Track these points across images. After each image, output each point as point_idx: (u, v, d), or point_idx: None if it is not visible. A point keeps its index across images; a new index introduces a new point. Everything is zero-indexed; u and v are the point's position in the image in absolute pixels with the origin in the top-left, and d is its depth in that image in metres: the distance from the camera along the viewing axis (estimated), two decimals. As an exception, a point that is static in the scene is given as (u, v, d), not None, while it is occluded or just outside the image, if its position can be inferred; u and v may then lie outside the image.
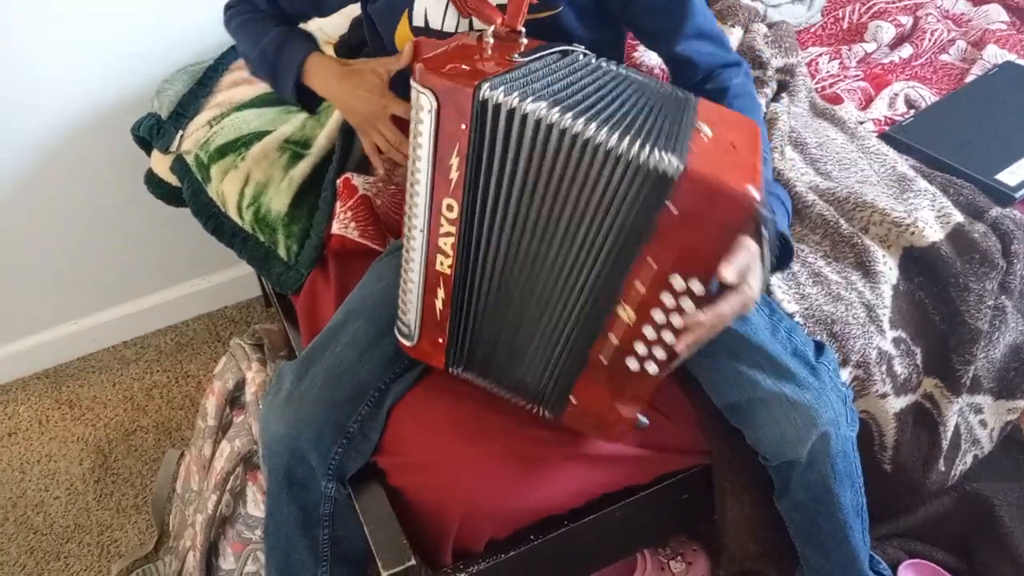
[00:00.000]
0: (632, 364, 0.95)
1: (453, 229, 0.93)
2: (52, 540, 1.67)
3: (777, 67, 1.55)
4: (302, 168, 1.40)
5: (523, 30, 0.97)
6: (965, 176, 1.39)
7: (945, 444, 1.35)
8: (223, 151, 1.47)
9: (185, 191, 1.54)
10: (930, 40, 1.73)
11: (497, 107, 0.84)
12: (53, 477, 1.80)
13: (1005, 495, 1.45)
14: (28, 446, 1.87)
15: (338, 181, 1.38)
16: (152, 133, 1.66)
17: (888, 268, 1.27)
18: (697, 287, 0.88)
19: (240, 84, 1.64)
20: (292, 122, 1.48)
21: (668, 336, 0.92)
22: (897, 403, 1.28)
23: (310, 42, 1.17)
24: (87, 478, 1.79)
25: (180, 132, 1.61)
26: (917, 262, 1.28)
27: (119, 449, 1.84)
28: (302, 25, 1.27)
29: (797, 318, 1.21)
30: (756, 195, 0.81)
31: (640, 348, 0.94)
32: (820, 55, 1.71)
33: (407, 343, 1.05)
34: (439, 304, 0.98)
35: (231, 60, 1.69)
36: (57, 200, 1.88)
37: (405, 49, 1.07)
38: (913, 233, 1.27)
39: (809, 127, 1.47)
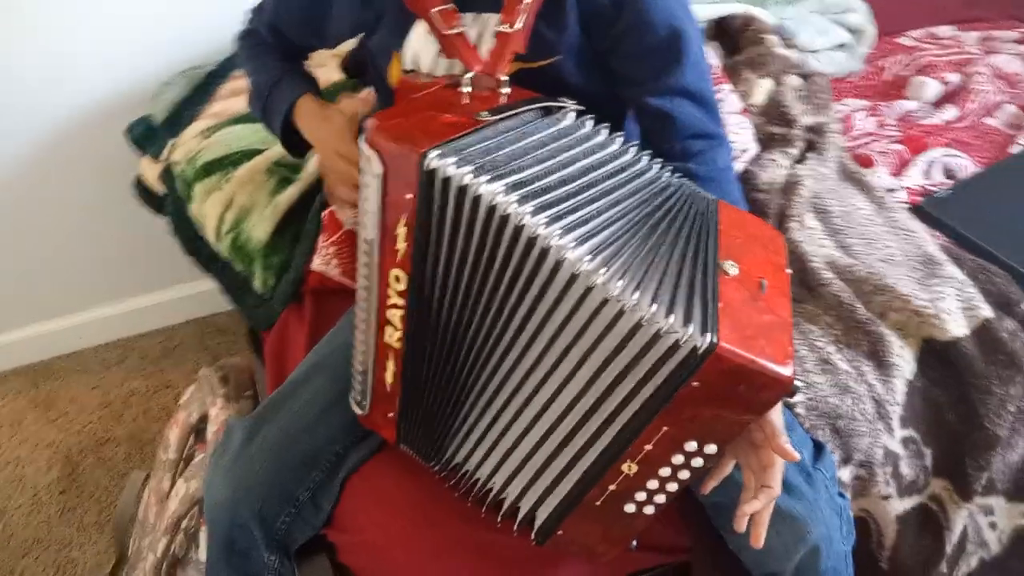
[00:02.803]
0: (629, 508, 0.87)
1: (401, 301, 0.84)
2: (8, 553, 1.61)
3: (807, 125, 1.44)
4: (289, 194, 1.32)
5: (505, 78, 0.88)
6: (999, 262, 1.28)
7: (949, 548, 1.24)
8: (208, 169, 1.39)
9: (168, 205, 1.46)
10: (977, 102, 1.61)
11: (446, 180, 0.76)
12: (19, 483, 1.74)
13: (1015, 602, 1.35)
14: (-2, 446, 1.82)
15: (324, 213, 1.29)
16: (144, 138, 1.58)
17: (904, 361, 1.17)
18: (711, 449, 0.79)
19: (240, 94, 1.56)
20: (284, 143, 1.40)
21: (672, 487, 0.83)
22: (900, 505, 1.18)
23: (306, 83, 1.10)
24: (52, 488, 1.73)
25: (172, 140, 1.54)
26: (937, 356, 1.18)
27: (88, 460, 1.78)
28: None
29: (799, 408, 1.11)
30: (789, 374, 0.72)
31: (640, 496, 0.85)
32: (856, 111, 1.60)
33: (359, 412, 0.96)
34: (389, 377, 0.90)
35: (233, 68, 1.62)
36: (51, 194, 1.83)
37: (368, 95, 1.00)
38: (935, 325, 1.17)
39: (834, 193, 1.37)
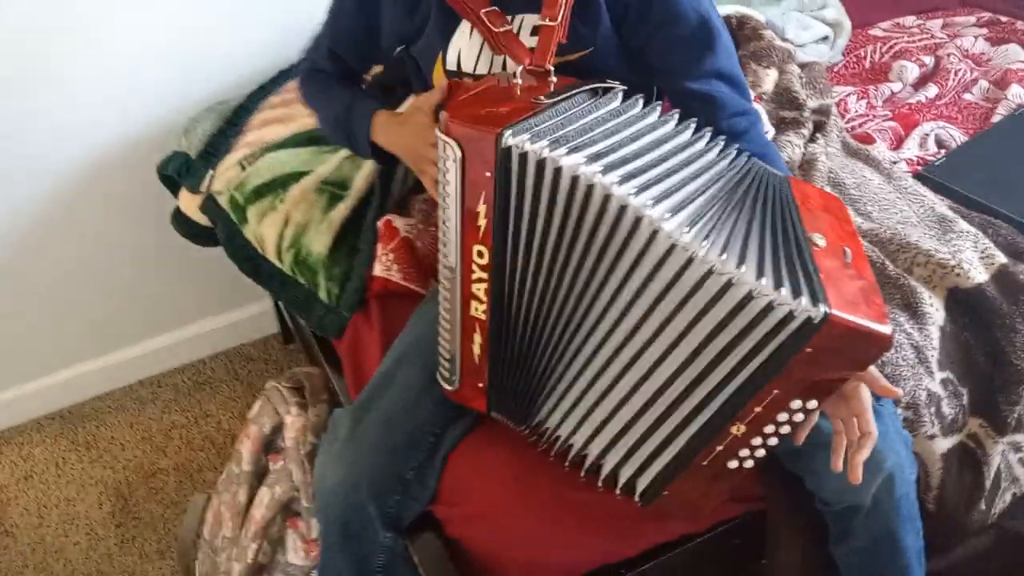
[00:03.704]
0: (732, 464, 0.94)
1: (485, 275, 0.91)
2: (74, 588, 1.63)
3: (812, 108, 1.56)
4: (341, 210, 1.39)
5: (551, 68, 0.96)
6: (1002, 216, 1.40)
7: (988, 484, 1.34)
8: (260, 192, 1.46)
9: (220, 232, 1.52)
10: (954, 80, 1.75)
11: (523, 155, 0.82)
12: (72, 521, 1.76)
13: (1044, 533, 1.45)
14: (45, 489, 1.83)
15: (379, 223, 1.37)
16: (181, 172, 1.64)
17: (935, 309, 1.27)
18: (812, 405, 0.87)
19: (271, 123, 1.63)
20: (328, 163, 1.47)
21: (773, 441, 0.91)
22: (944, 444, 1.27)
23: (374, 102, 1.16)
24: (107, 522, 1.75)
25: (211, 171, 1.60)
26: (962, 303, 1.28)
27: (139, 492, 1.81)
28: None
29: (848, 360, 1.21)
30: (889, 331, 0.80)
31: (744, 452, 0.92)
32: (848, 95, 1.73)
33: (449, 388, 1.03)
34: (476, 349, 0.97)
35: (260, 99, 1.69)
36: (72, 238, 1.86)
37: (440, 83, 1.07)
38: (959, 275, 1.27)
39: (846, 168, 1.48)
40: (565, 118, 0.88)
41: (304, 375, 1.39)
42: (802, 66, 1.68)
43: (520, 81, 0.94)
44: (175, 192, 1.73)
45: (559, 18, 0.99)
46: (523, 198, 0.85)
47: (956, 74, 1.77)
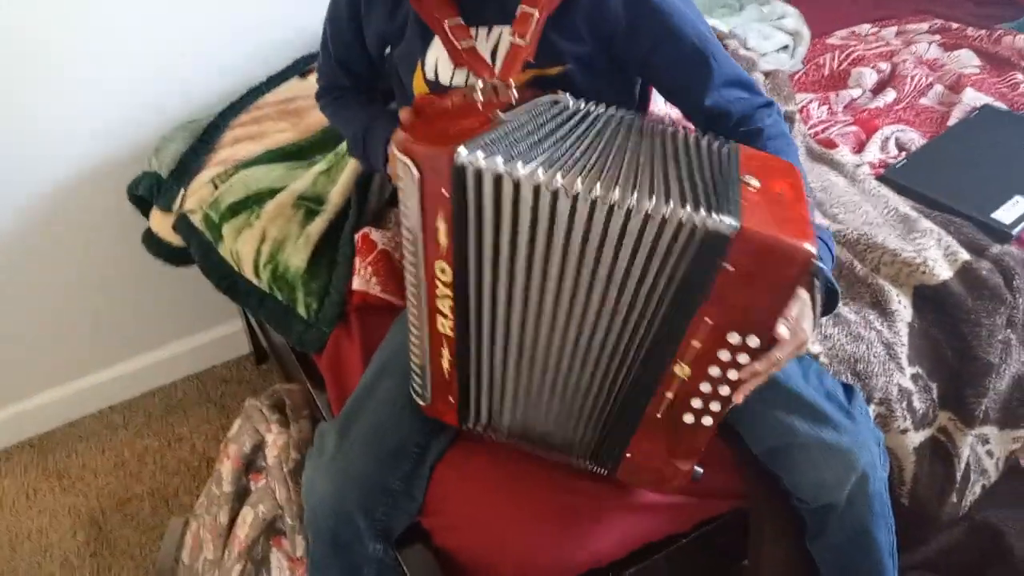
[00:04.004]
0: (688, 419, 0.96)
1: (449, 292, 0.92)
2: (50, 620, 1.60)
3: (777, 114, 1.59)
4: (318, 224, 1.39)
5: (511, 83, 0.98)
6: (962, 215, 1.44)
7: (959, 476, 1.38)
8: (235, 209, 1.45)
9: (194, 251, 1.51)
10: (911, 85, 1.81)
11: (478, 172, 0.83)
12: (46, 552, 1.72)
13: (1013, 523, 1.49)
14: (16, 520, 1.79)
15: (356, 236, 1.37)
16: (152, 192, 1.63)
17: (903, 307, 1.31)
18: (754, 342, 0.88)
19: (243, 141, 1.63)
20: (304, 179, 1.48)
21: (724, 389, 0.92)
22: (916, 438, 1.31)
23: (393, 122, 1.15)
24: (82, 551, 1.72)
25: (182, 190, 1.59)
26: (928, 300, 1.32)
27: (114, 519, 1.78)
28: None
29: (822, 358, 1.24)
30: (813, 250, 0.82)
31: (696, 403, 0.94)
32: (810, 102, 1.77)
33: (421, 402, 1.04)
34: (445, 364, 0.98)
35: (231, 117, 1.68)
36: (38, 262, 1.83)
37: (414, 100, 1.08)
38: (924, 272, 1.31)
39: (811, 172, 1.52)
40: (519, 132, 0.89)
41: (285, 391, 1.38)
42: (765, 74, 1.72)
43: (480, 97, 0.96)
44: (146, 212, 1.72)
45: (527, 36, 1.01)
46: (480, 213, 0.86)
47: (912, 79, 1.83)
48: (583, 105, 0.98)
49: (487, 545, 1.07)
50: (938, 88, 1.83)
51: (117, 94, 1.72)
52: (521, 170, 0.82)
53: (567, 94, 1.00)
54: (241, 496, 1.40)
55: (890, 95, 1.79)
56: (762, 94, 1.12)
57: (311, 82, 1.61)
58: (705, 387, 0.93)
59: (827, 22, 2.12)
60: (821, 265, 0.85)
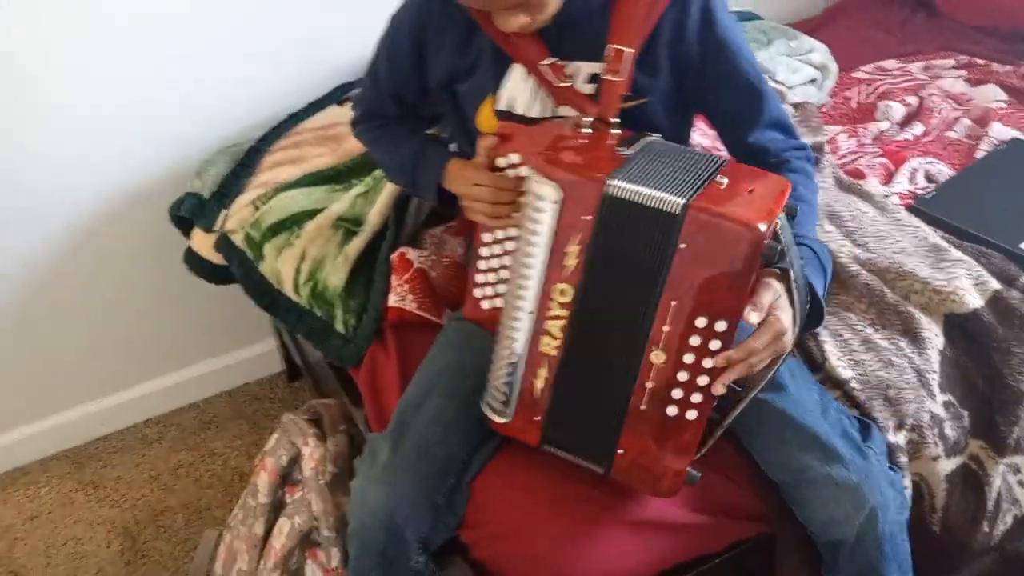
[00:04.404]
0: (671, 411, 0.98)
1: (564, 312, 0.97)
2: (84, 628, 1.63)
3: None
4: (356, 244, 1.43)
5: (617, 120, 1.02)
6: (992, 246, 1.46)
7: (990, 505, 1.38)
8: (275, 229, 1.50)
9: (235, 269, 1.55)
10: (938, 118, 1.83)
11: (624, 201, 0.90)
12: (81, 560, 1.76)
13: (1045, 555, 1.48)
14: (52, 529, 1.83)
15: (393, 256, 1.41)
16: (195, 212, 1.68)
17: (934, 334, 1.32)
18: (721, 326, 0.92)
19: (283, 165, 1.68)
20: (342, 201, 1.52)
21: (702, 379, 0.95)
22: (947, 465, 1.31)
23: (445, 150, 1.20)
24: (116, 561, 1.75)
25: (224, 211, 1.64)
26: (959, 328, 1.33)
27: (148, 530, 1.81)
28: None
29: (853, 383, 1.25)
30: (762, 228, 0.86)
31: (677, 393, 0.97)
32: (838, 133, 1.80)
33: (500, 420, 1.07)
34: (539, 383, 1.01)
35: (271, 142, 1.73)
36: (79, 280, 1.88)
37: (487, 130, 1.11)
38: (955, 300, 1.33)
39: (840, 201, 1.54)
40: (649, 166, 0.96)
41: (322, 406, 1.41)
42: (795, 106, 1.75)
43: (588, 130, 1.01)
44: (186, 233, 1.77)
45: (624, 74, 1.05)
46: (611, 238, 0.93)
47: (939, 113, 1.85)
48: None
49: (525, 559, 1.09)
50: (965, 122, 1.85)
51: (160, 120, 1.77)
52: (660, 198, 0.90)
53: (658, 136, 1.06)
54: (276, 508, 1.43)
55: (918, 128, 1.81)
56: (799, 137, 1.18)
57: (348, 109, 1.66)
58: (683, 375, 0.96)
59: (853, 57, 2.15)
60: (779, 246, 0.89)
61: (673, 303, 0.91)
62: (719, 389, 0.94)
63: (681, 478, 1.04)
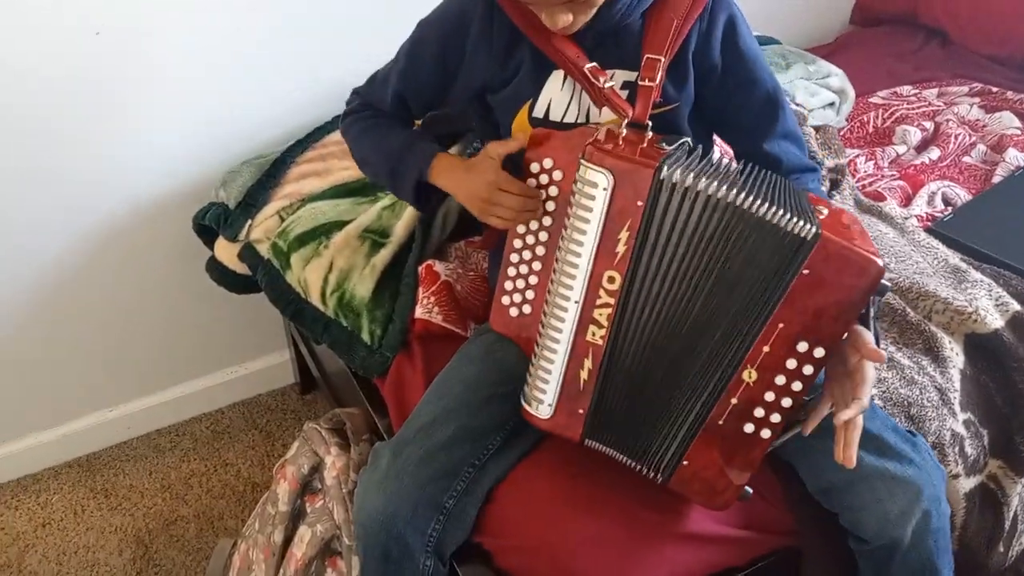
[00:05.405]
0: (748, 428, 0.99)
1: (612, 300, 0.98)
2: (96, 636, 1.62)
3: (828, 167, 1.64)
4: (383, 255, 1.44)
5: (650, 123, 1.04)
6: (1011, 268, 1.47)
7: (1007, 524, 1.39)
8: (303, 240, 1.51)
9: (261, 279, 1.56)
10: (954, 143, 1.85)
11: (673, 186, 0.93)
12: (92, 568, 1.75)
13: (1060, 579, 1.49)
14: (64, 536, 1.82)
15: (420, 268, 1.42)
16: (219, 222, 1.69)
17: (955, 353, 1.33)
18: (820, 353, 0.93)
19: (308, 176, 1.69)
20: (369, 212, 1.53)
21: (786, 401, 0.97)
22: (967, 484, 1.32)
23: (434, 145, 1.19)
24: (128, 569, 1.74)
25: (249, 221, 1.65)
26: (980, 348, 1.35)
27: (160, 539, 1.80)
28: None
29: (876, 401, 1.26)
30: (881, 263, 0.89)
31: (759, 412, 0.98)
32: (857, 156, 1.82)
33: (541, 416, 1.07)
34: (584, 374, 1.02)
35: (297, 154, 1.75)
36: (95, 289, 1.89)
37: (517, 134, 1.13)
38: (975, 321, 1.34)
39: (861, 222, 1.56)
40: (692, 159, 0.99)
41: (346, 415, 1.42)
42: (816, 129, 1.77)
43: (625, 132, 1.03)
44: (208, 242, 1.78)
45: (657, 80, 1.07)
46: (663, 225, 0.95)
47: (956, 138, 1.88)
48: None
49: (548, 569, 1.09)
50: (981, 147, 1.87)
51: (185, 131, 1.78)
52: (712, 188, 0.92)
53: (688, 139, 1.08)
54: (296, 517, 1.43)
55: (934, 152, 1.83)
56: (807, 153, 1.21)
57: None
58: (769, 396, 0.97)
59: (869, 83, 2.18)
60: (887, 284, 0.92)
61: (780, 325, 0.93)
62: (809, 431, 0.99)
63: (737, 494, 1.05)
